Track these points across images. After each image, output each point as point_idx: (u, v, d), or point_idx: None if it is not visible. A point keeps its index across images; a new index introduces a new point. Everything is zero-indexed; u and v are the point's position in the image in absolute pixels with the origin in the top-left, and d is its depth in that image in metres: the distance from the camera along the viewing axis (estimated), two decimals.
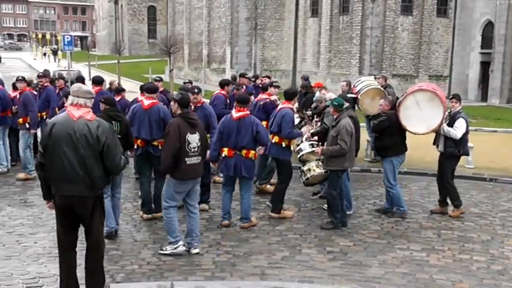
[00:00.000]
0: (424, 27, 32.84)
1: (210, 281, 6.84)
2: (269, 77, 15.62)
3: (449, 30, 33.62)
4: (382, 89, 12.84)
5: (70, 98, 5.91)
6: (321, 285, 6.79)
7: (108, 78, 24.80)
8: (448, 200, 10.05)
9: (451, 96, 10.04)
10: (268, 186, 10.99)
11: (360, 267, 7.44)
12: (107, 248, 7.75)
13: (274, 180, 10.75)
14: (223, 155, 8.86)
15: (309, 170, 9.57)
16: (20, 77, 12.44)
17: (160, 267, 7.24)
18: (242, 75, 15.21)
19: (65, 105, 9.53)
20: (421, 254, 8.01)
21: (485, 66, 31.95)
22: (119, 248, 7.82)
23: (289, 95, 9.80)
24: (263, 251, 7.94)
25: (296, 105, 11.45)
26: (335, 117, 9.06)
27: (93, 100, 6.05)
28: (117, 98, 12.31)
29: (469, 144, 13.63)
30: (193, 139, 7.47)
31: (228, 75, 34.59)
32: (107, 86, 14.77)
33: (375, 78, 14.01)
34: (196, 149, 7.49)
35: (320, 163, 9.45)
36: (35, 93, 12.56)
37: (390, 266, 7.52)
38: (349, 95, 13.12)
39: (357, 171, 12.93)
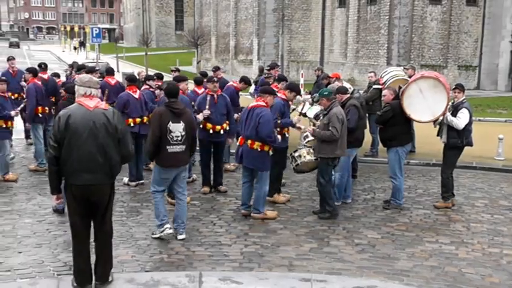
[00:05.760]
0: (453, 16, 32.34)
1: (238, 271, 6.88)
2: (277, 65, 15.29)
3: (479, 19, 33.08)
4: (408, 79, 12.69)
5: (81, 88, 5.94)
6: (349, 278, 6.76)
7: (136, 69, 25.04)
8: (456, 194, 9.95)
9: (454, 86, 9.84)
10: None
11: (388, 260, 7.40)
12: (136, 237, 7.91)
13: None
14: (237, 143, 9.08)
15: (300, 156, 9.47)
16: (28, 68, 12.71)
17: (189, 257, 7.30)
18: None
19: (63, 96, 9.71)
20: (449, 247, 7.94)
21: None
22: (147, 238, 7.90)
23: (289, 87, 9.82)
24: (291, 242, 7.95)
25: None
26: (327, 106, 9.01)
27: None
28: (143, 88, 12.32)
29: (500, 135, 13.59)
30: (176, 128, 7.60)
31: (255, 67, 34.64)
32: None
33: (404, 69, 13.86)
34: (179, 138, 7.63)
35: (311, 150, 9.37)
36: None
37: (419, 259, 7.47)
38: (375, 86, 13.06)
39: (384, 163, 12.86)
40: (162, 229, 7.81)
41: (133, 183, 10.68)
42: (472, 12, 33.09)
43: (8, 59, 14.67)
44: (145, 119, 10.70)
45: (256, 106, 8.77)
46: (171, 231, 7.83)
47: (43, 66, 13.68)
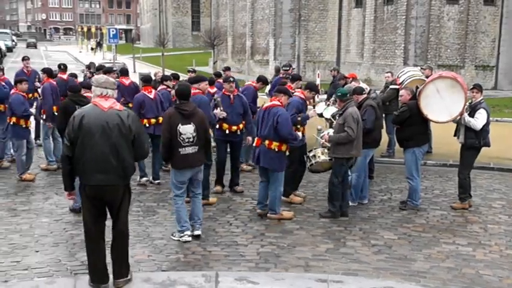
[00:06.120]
0: (470, 16, 32.04)
1: (254, 271, 6.89)
2: (291, 66, 15.31)
3: (496, 19, 32.77)
4: (425, 79, 12.61)
5: (97, 89, 5.97)
6: (366, 279, 6.75)
7: (153, 70, 25.17)
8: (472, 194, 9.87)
9: (471, 86, 9.76)
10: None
11: (404, 261, 7.37)
12: (153, 237, 7.94)
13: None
14: (253, 144, 9.12)
15: (314, 156, 9.48)
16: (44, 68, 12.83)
17: (205, 257, 7.32)
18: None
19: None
20: (467, 249, 7.89)
21: None
22: (164, 237, 7.94)
23: (309, 87, 9.87)
24: (307, 242, 7.94)
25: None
26: (342, 106, 9.01)
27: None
28: (160, 88, 12.29)
29: None
30: (187, 130, 7.57)
31: (271, 67, 34.64)
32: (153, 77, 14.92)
33: (421, 69, 13.79)
34: (191, 139, 7.60)
35: (326, 150, 9.38)
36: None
37: (435, 261, 7.43)
38: (392, 86, 13.00)
39: (401, 163, 12.79)
40: (182, 235, 7.81)
41: (144, 179, 10.76)
42: (489, 11, 32.77)
43: (23, 59, 14.81)
44: (160, 119, 10.72)
45: (271, 106, 8.76)
46: (189, 239, 7.81)
47: (62, 67, 13.81)
